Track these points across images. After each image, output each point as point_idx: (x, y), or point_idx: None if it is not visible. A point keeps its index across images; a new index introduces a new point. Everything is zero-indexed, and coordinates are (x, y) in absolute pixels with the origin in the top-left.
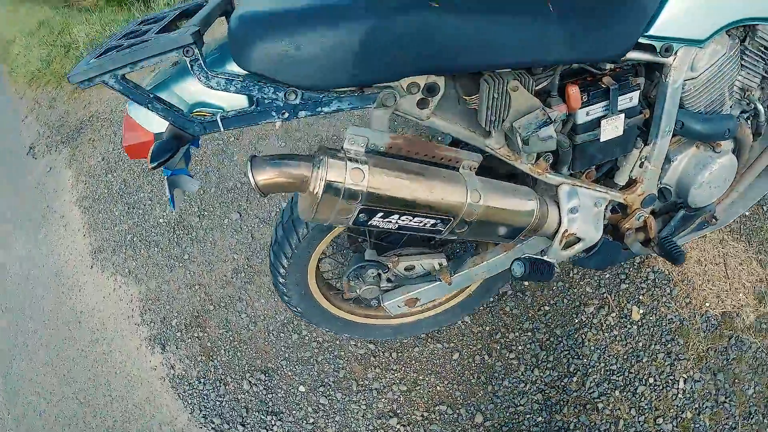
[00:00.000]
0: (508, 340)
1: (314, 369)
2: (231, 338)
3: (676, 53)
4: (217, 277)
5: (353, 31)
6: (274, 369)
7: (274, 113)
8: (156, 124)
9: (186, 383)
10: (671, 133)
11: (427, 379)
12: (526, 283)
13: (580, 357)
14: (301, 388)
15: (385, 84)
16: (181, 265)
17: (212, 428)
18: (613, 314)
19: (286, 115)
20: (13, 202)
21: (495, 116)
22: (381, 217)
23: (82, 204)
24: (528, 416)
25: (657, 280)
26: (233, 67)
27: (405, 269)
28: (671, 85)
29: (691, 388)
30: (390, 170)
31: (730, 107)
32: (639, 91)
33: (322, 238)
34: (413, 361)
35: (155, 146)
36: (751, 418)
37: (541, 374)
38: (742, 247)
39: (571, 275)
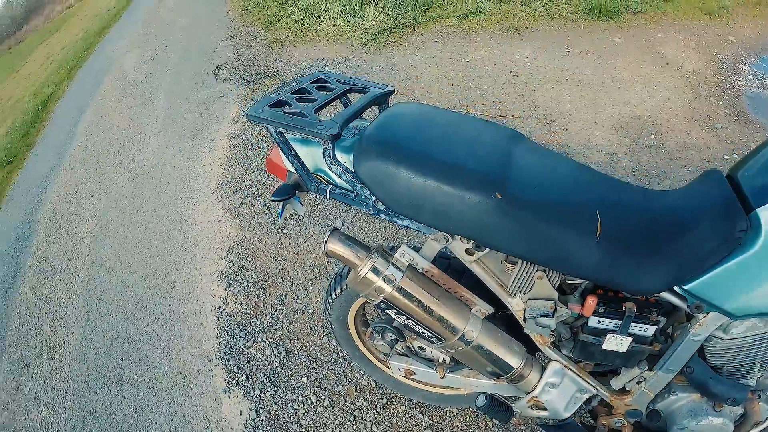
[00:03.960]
0: None
1: (322, 372)
2: (280, 311)
3: (708, 313)
4: (298, 261)
5: (435, 192)
6: (295, 353)
7: (364, 206)
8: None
9: (228, 321)
10: (676, 372)
11: None
12: None
13: None
14: (304, 379)
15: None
16: (278, 235)
17: (225, 365)
18: None
19: (372, 212)
20: (177, 104)
21: (519, 288)
22: (394, 312)
23: (233, 140)
24: None
25: None
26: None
27: (418, 347)
28: (690, 336)
29: None
30: (415, 286)
31: (758, 378)
32: (657, 327)
33: None
34: (394, 415)
35: (279, 186)
36: None
37: None
38: None
39: None
